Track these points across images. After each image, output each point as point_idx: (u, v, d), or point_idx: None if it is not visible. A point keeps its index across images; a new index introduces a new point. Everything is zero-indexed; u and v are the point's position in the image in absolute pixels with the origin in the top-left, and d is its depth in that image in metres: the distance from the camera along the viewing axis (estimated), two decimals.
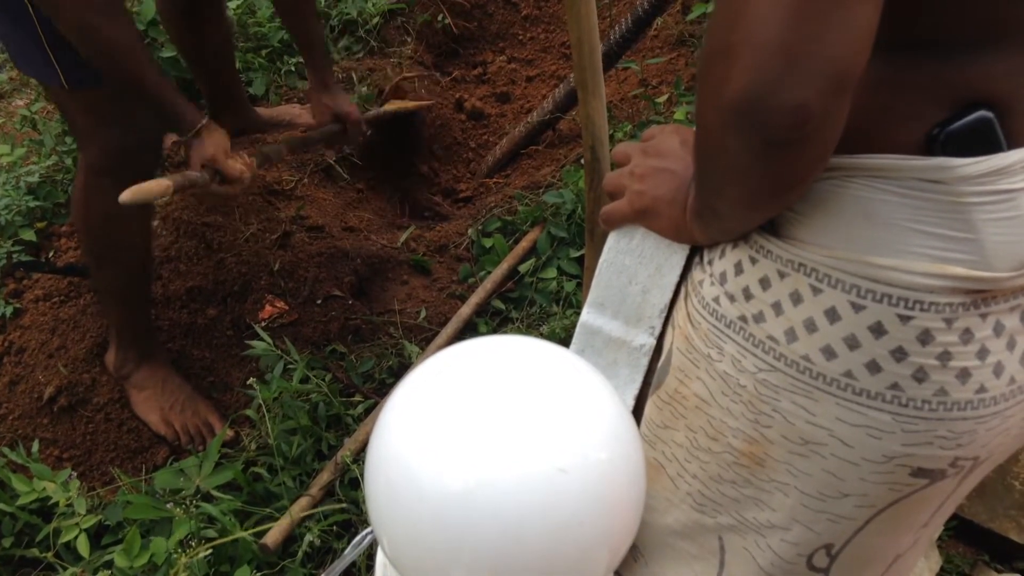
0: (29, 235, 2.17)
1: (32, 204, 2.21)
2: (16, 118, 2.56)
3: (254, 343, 1.82)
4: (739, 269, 0.73)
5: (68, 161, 2.34)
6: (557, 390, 0.64)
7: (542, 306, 2.10)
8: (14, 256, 2.11)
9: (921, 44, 0.62)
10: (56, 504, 1.55)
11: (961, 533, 1.73)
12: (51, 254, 2.21)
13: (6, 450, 1.72)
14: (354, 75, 2.68)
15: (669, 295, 0.87)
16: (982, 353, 0.65)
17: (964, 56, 0.62)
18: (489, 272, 2.19)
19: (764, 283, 0.71)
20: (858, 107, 0.59)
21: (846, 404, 0.68)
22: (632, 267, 0.89)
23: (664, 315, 0.88)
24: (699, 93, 0.62)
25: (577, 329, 0.95)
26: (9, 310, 2.04)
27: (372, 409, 1.86)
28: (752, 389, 0.72)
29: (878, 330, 0.65)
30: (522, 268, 2.16)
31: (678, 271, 0.86)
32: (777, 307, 0.70)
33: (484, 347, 0.65)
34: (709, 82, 0.60)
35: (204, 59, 2.31)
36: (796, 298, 0.68)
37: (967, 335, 0.64)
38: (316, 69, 1.97)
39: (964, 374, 0.65)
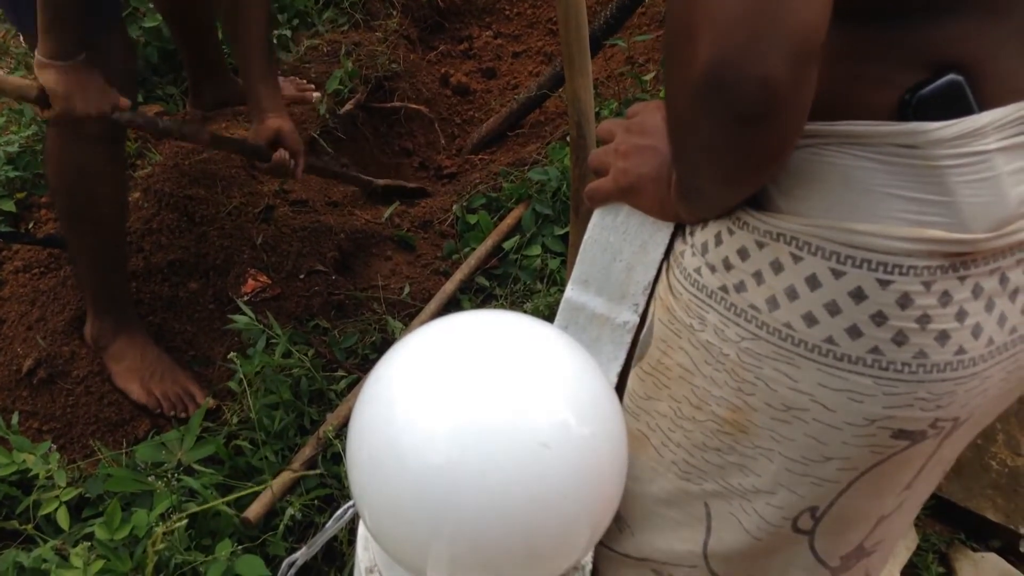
0: (8, 206, 2.15)
1: (12, 175, 2.19)
2: None
3: (236, 317, 1.81)
4: (718, 240, 0.74)
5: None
6: (540, 365, 0.64)
7: (526, 283, 2.10)
8: None
9: (883, 11, 0.63)
10: (36, 476, 1.54)
11: (938, 512, 1.75)
12: (31, 225, 2.19)
13: None
14: (342, 47, 2.65)
15: (653, 272, 0.88)
16: (960, 315, 0.66)
17: (927, 21, 0.62)
18: (473, 249, 2.19)
19: (742, 253, 0.71)
20: (828, 75, 0.59)
21: (828, 370, 0.68)
22: (616, 244, 0.89)
23: (648, 292, 0.89)
24: (666, 74, 0.63)
25: (561, 305, 0.95)
26: None
27: (355, 384, 1.86)
28: (735, 358, 0.73)
29: (858, 295, 0.66)
30: (506, 245, 2.16)
31: (663, 248, 0.86)
32: (758, 276, 0.70)
33: (467, 321, 0.65)
34: (674, 62, 0.60)
35: (184, 28, 2.28)
36: (777, 267, 0.69)
37: (945, 297, 0.65)
38: (260, 82, 1.79)
39: (943, 336, 0.66)
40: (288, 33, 2.71)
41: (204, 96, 2.43)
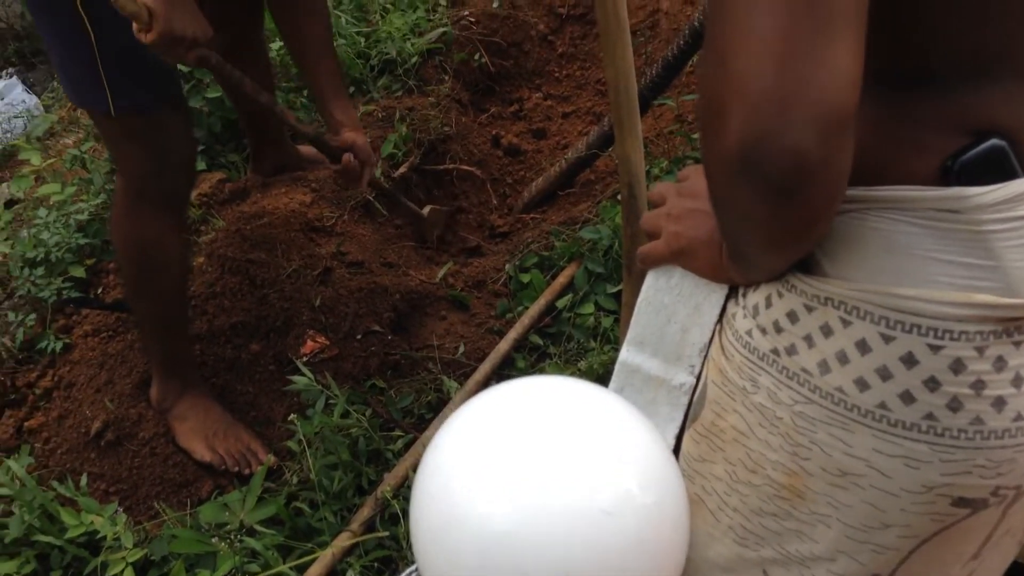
0: (79, 272, 2.23)
1: (82, 241, 2.28)
2: (65, 156, 2.63)
3: (296, 378, 1.84)
4: (769, 302, 0.74)
5: None
6: (601, 432, 0.64)
7: (579, 342, 2.11)
8: (64, 292, 2.17)
9: (921, 77, 0.63)
10: (103, 538, 1.58)
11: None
12: (99, 290, 2.27)
13: (55, 484, 1.75)
14: (396, 113, 2.73)
15: (709, 334, 0.88)
16: (1017, 381, 0.65)
17: (966, 86, 0.63)
18: (526, 307, 2.20)
19: (792, 316, 0.71)
20: (868, 140, 0.60)
21: (882, 435, 0.67)
22: (671, 305, 0.90)
23: (704, 354, 0.89)
24: (701, 146, 0.63)
25: (616, 367, 0.96)
26: (59, 345, 2.10)
27: (411, 444, 1.87)
28: (789, 421, 0.73)
29: (909, 360, 0.65)
30: (559, 304, 2.17)
31: (717, 310, 0.86)
32: (808, 340, 0.70)
33: (527, 387, 0.66)
34: (707, 135, 0.60)
35: (246, 100, 2.37)
36: (826, 331, 0.69)
37: (1000, 363, 0.64)
38: (332, 99, 1.91)
39: (999, 402, 0.65)
40: None
41: (264, 162, 2.52)
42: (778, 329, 0.73)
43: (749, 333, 0.76)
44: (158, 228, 1.75)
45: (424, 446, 1.81)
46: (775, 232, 0.63)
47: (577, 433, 0.63)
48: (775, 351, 0.73)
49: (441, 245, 2.62)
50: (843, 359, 0.68)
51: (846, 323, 0.67)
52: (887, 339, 0.65)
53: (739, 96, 0.55)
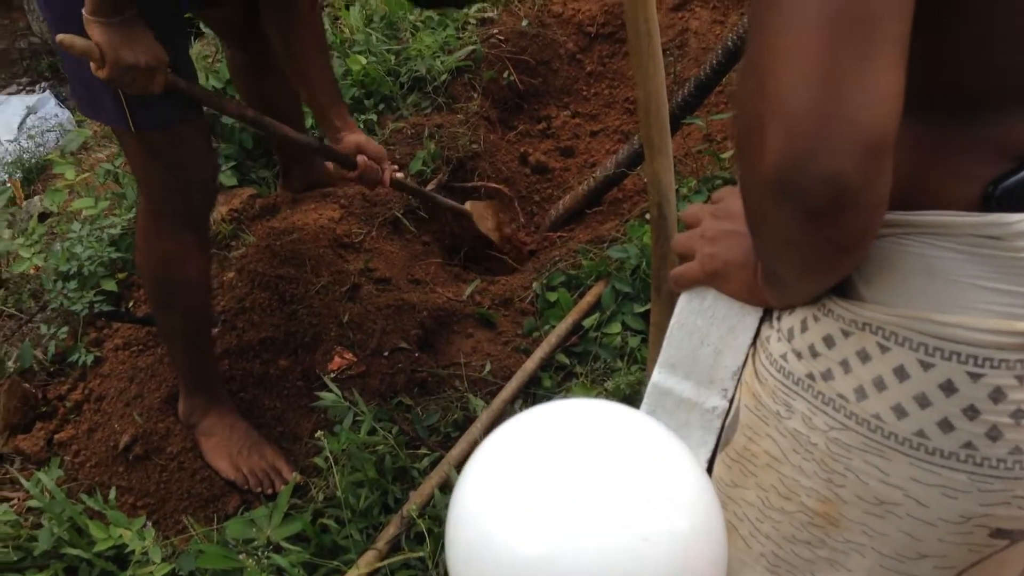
0: (110, 285, 2.25)
1: (114, 255, 2.30)
2: (98, 171, 2.67)
3: (323, 394, 1.85)
4: (804, 326, 0.73)
5: None
6: (638, 456, 0.63)
7: (606, 361, 2.10)
8: (96, 306, 2.19)
9: (958, 102, 0.63)
10: (132, 552, 1.59)
11: None
12: (131, 304, 2.29)
13: (84, 496, 1.76)
14: (425, 130, 2.74)
15: (742, 357, 0.87)
16: None
17: (1006, 114, 0.62)
18: (553, 326, 2.20)
19: (828, 341, 0.71)
20: (908, 165, 0.59)
21: (919, 464, 0.67)
22: (704, 328, 0.89)
23: (737, 377, 0.88)
24: (739, 166, 0.63)
25: (648, 389, 0.95)
26: (90, 358, 2.12)
27: (437, 462, 1.87)
28: (824, 447, 0.72)
29: (948, 388, 0.64)
30: (586, 322, 2.16)
31: (751, 333, 0.86)
32: (845, 365, 0.69)
33: (561, 411, 0.66)
34: (744, 156, 0.60)
35: (273, 116, 2.39)
36: (864, 356, 0.68)
37: None
38: (329, 106, 1.92)
39: None
40: (374, 117, 2.81)
41: (294, 179, 2.54)
42: (814, 353, 0.72)
43: (784, 357, 0.76)
44: (180, 245, 1.76)
45: (450, 465, 1.81)
46: (813, 255, 0.63)
47: (614, 458, 0.62)
48: (810, 376, 0.72)
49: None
50: (880, 385, 0.67)
51: (884, 349, 0.67)
52: (926, 366, 0.65)
53: (778, 117, 0.55)
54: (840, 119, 0.53)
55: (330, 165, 2.54)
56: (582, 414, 0.65)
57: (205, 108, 1.77)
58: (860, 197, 0.56)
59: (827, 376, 0.71)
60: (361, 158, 1.92)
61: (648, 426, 0.65)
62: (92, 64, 1.50)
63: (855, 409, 0.69)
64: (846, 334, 0.69)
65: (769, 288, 0.76)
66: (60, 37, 1.47)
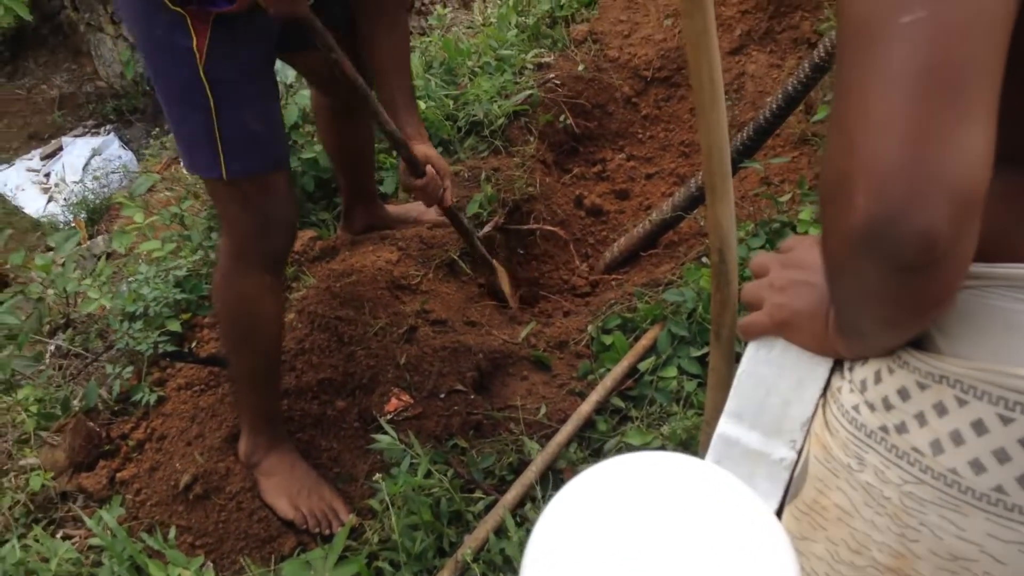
0: (175, 326, 2.30)
1: (179, 297, 2.35)
2: (164, 213, 2.74)
3: (379, 436, 1.86)
4: (878, 378, 0.72)
5: (213, 256, 2.49)
6: (717, 518, 0.61)
7: (662, 405, 2.08)
8: (160, 346, 2.24)
9: None
10: None
11: None
12: (194, 344, 2.33)
13: (144, 535, 1.79)
14: (482, 173, 2.77)
15: (811, 409, 0.86)
16: None
17: None
18: (608, 369, 2.18)
19: (903, 394, 0.70)
20: (991, 217, 0.58)
21: (997, 520, 0.65)
22: (772, 378, 0.88)
23: (806, 428, 0.87)
24: (823, 219, 0.63)
25: (713, 439, 0.94)
26: (153, 398, 2.16)
27: (491, 506, 1.86)
28: (897, 501, 0.70)
29: None
30: (642, 366, 2.15)
31: (821, 383, 0.84)
32: (920, 418, 0.68)
33: (634, 466, 0.64)
34: (830, 211, 0.60)
35: (347, 158, 2.45)
36: (940, 409, 0.67)
37: None
38: (404, 111, 1.98)
39: None
40: None
41: (355, 221, 2.58)
42: (888, 406, 0.71)
43: (856, 408, 0.75)
44: (259, 287, 1.81)
45: (505, 509, 1.80)
46: (896, 309, 0.62)
47: (693, 519, 0.60)
48: (884, 428, 0.71)
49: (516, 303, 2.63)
50: (957, 439, 0.66)
51: (962, 402, 0.66)
52: (1006, 420, 0.63)
53: (868, 174, 0.55)
54: (932, 176, 0.53)
55: (395, 208, 2.60)
56: (655, 470, 0.64)
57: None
58: (950, 252, 0.55)
59: (901, 429, 0.70)
60: (429, 168, 1.97)
61: (735, 488, 0.63)
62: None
63: (931, 463, 0.68)
64: (922, 387, 0.68)
65: (844, 339, 0.75)
66: None
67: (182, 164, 1.92)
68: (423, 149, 1.97)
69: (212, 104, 1.63)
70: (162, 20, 1.58)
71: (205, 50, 1.59)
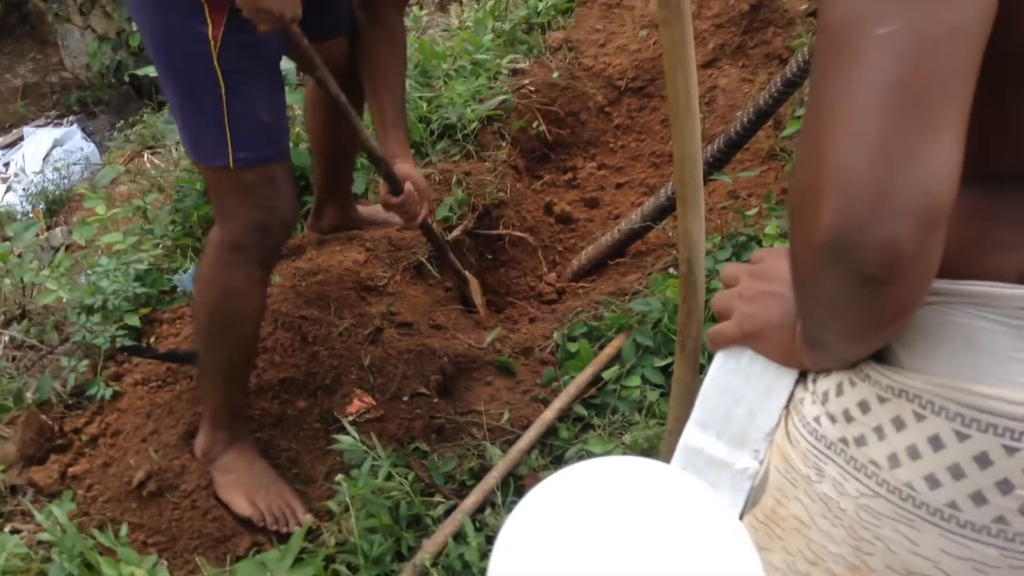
0: (134, 320, 2.26)
1: (139, 291, 2.31)
2: (125, 207, 2.69)
3: (341, 437, 1.84)
4: (840, 390, 0.73)
5: (176, 251, 2.46)
6: (692, 528, 0.60)
7: (625, 414, 2.08)
8: (117, 340, 2.19)
9: (1009, 175, 0.63)
10: None
11: None
12: (152, 339, 2.29)
13: (96, 532, 1.75)
14: (453, 176, 2.76)
15: (776, 418, 0.86)
16: None
17: None
18: (573, 377, 2.18)
19: (863, 406, 0.70)
20: (956, 234, 0.59)
21: (950, 536, 0.65)
22: (739, 388, 0.88)
23: (770, 438, 0.87)
24: (790, 230, 0.63)
25: (678, 448, 0.94)
26: (108, 392, 2.11)
27: (451, 510, 1.85)
28: (853, 514, 0.71)
29: (983, 461, 0.63)
30: (606, 375, 2.15)
31: (786, 394, 0.85)
32: (879, 431, 0.69)
33: (603, 471, 0.63)
34: (798, 222, 0.60)
35: (331, 152, 2.42)
36: (898, 424, 0.67)
37: None
38: (392, 127, 2.00)
39: None
40: None
41: (323, 219, 2.55)
42: (848, 418, 0.71)
43: (817, 420, 0.75)
44: (248, 280, 1.79)
45: (464, 514, 1.79)
46: (859, 321, 0.63)
47: (660, 523, 0.59)
48: (843, 440, 0.72)
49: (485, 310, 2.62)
50: (914, 454, 0.66)
51: (920, 417, 0.66)
52: (961, 437, 0.64)
53: (835, 185, 0.55)
54: (899, 190, 0.53)
55: (366, 210, 2.58)
56: (621, 474, 0.63)
57: None
58: (914, 266, 0.56)
59: (860, 441, 0.70)
60: (408, 186, 1.97)
61: (693, 487, 0.63)
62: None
63: (887, 476, 0.68)
64: (882, 400, 0.69)
65: (809, 351, 0.75)
66: None
67: (186, 152, 1.89)
68: (405, 168, 1.98)
69: (223, 92, 1.63)
70: (179, 7, 1.59)
71: (220, 38, 1.59)
